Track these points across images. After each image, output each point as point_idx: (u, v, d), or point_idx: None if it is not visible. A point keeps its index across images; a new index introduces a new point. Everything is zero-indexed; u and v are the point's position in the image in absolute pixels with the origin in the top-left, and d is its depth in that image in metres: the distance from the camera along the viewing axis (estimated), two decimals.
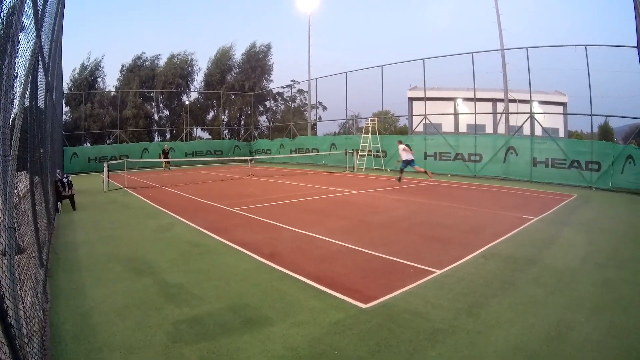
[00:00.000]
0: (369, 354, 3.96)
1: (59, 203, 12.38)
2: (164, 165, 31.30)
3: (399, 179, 19.42)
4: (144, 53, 45.75)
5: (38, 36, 5.76)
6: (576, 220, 10.41)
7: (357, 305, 5.11)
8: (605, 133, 29.24)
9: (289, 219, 10.44)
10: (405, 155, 19.27)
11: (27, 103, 4.93)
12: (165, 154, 31.73)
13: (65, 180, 12.90)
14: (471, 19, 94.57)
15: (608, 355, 3.90)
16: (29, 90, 5.08)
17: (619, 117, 19.09)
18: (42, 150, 8.34)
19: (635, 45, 15.83)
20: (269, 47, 48.68)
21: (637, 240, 8.49)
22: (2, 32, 3.75)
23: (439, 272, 6.35)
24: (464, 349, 4.03)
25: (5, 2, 3.29)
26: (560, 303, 5.14)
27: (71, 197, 12.91)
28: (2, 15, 3.15)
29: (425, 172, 19.61)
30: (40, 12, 5.82)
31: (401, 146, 19.81)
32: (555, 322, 4.57)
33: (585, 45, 18.49)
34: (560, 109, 33.12)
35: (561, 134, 29.81)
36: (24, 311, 3.45)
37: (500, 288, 5.69)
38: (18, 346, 2.75)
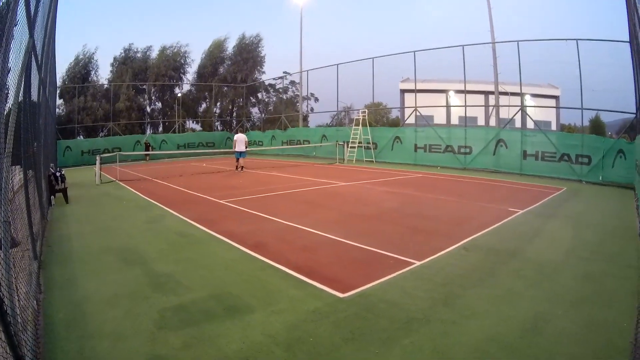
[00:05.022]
0: (342, 341, 4.12)
1: (52, 197, 12.47)
2: (146, 157, 31.64)
3: (241, 168, 21.44)
4: (132, 44, 45.63)
5: (31, 35, 5.88)
6: (563, 214, 10.48)
7: (335, 294, 5.27)
8: (597, 127, 29.51)
9: (277, 211, 10.58)
10: (239, 146, 21.34)
11: (20, 99, 5.07)
12: (147, 146, 32.41)
13: (58, 174, 13.01)
14: (463, 11, 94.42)
15: (585, 349, 3.94)
16: (22, 87, 5.22)
17: (609, 111, 19.18)
18: (35, 145, 8.46)
19: (628, 39, 15.62)
20: (259, 38, 48.74)
21: (624, 234, 8.43)
22: None
23: (418, 263, 6.46)
24: (437, 338, 4.13)
25: None
26: (538, 296, 5.21)
27: (64, 191, 13.02)
28: None
29: (237, 168, 21.75)
30: (33, 11, 5.96)
31: (244, 137, 21.82)
32: (532, 314, 4.65)
33: (577, 39, 18.53)
34: (552, 102, 33.39)
35: (554, 127, 30.03)
36: (19, 301, 3.61)
37: (479, 279, 5.79)
38: (13, 332, 2.91)
